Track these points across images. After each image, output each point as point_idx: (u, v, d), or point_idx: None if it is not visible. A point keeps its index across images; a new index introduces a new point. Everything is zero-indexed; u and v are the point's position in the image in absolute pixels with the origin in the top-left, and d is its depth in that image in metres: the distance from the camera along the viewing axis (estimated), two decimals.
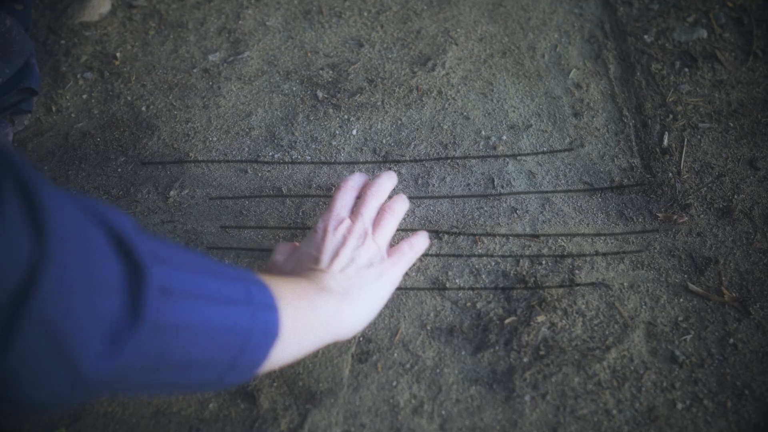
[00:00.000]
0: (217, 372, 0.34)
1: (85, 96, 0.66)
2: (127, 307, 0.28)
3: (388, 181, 0.52)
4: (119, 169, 0.61)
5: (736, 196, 0.55)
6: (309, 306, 0.41)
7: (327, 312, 0.42)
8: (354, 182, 0.51)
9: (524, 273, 0.53)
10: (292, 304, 0.39)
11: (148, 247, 0.30)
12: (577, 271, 0.52)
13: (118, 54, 0.68)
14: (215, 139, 0.62)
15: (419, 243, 0.51)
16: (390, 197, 0.53)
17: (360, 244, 0.47)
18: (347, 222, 0.48)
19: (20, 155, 0.29)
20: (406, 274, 0.53)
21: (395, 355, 0.49)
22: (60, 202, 0.26)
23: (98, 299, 0.27)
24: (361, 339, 0.50)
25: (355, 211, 0.49)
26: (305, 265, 0.46)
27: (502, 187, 0.58)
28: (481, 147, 0.60)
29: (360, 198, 0.51)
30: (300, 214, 0.57)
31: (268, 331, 0.36)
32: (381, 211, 0.50)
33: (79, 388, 0.27)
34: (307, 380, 0.48)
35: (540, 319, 0.50)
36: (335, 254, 0.46)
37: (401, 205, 0.52)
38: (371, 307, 0.46)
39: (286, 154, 0.61)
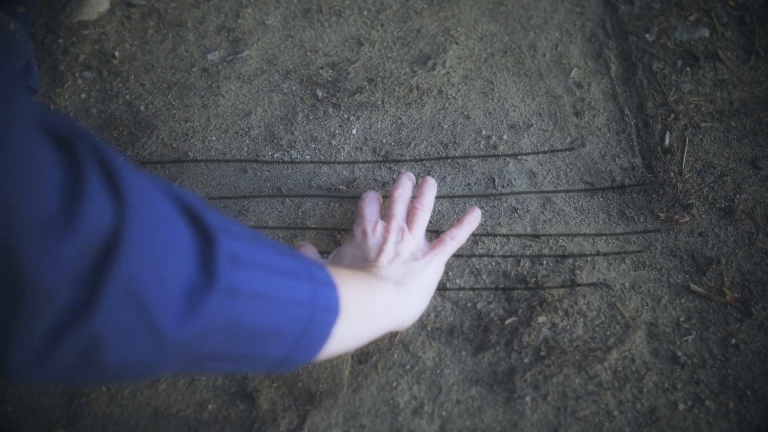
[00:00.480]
0: (286, 346, 0.35)
1: (83, 95, 0.66)
2: (200, 271, 0.29)
3: (408, 180, 0.54)
4: None
5: (738, 196, 0.55)
6: (370, 290, 0.42)
7: (387, 297, 0.43)
8: (374, 193, 0.54)
9: (525, 273, 0.52)
10: (353, 287, 0.40)
11: (215, 219, 0.31)
12: (578, 272, 0.52)
13: (116, 53, 0.68)
14: (214, 138, 0.62)
15: (462, 233, 0.51)
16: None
17: (400, 240, 0.48)
18: (382, 223, 0.50)
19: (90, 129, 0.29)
20: None
21: (395, 355, 0.49)
22: (132, 172, 0.27)
23: (174, 262, 0.28)
24: None
25: (386, 214, 0.51)
26: (354, 264, 0.47)
27: (503, 186, 0.57)
28: (481, 146, 0.60)
29: (388, 202, 0.52)
30: (300, 213, 0.57)
31: (329, 308, 0.37)
32: (412, 210, 0.52)
33: (162, 350, 0.28)
34: (307, 381, 0.48)
35: (541, 319, 0.50)
36: (380, 250, 0.47)
37: (429, 197, 0.53)
38: (424, 295, 0.47)
39: (286, 153, 0.61)
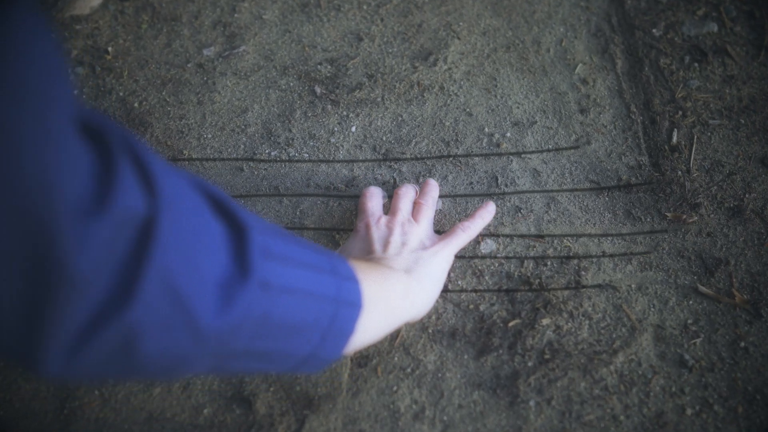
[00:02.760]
0: (312, 342, 0.34)
1: (75, 92, 0.65)
2: (235, 264, 0.29)
3: (411, 186, 0.54)
4: None
5: (747, 195, 0.54)
6: (384, 280, 0.42)
7: (400, 287, 0.43)
8: (375, 189, 0.53)
9: (529, 274, 0.51)
10: (370, 279, 0.39)
11: (245, 214, 0.31)
12: (583, 273, 0.51)
13: (109, 48, 0.67)
14: (210, 136, 0.61)
15: (474, 227, 0.50)
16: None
17: (405, 230, 0.48)
18: (386, 216, 0.49)
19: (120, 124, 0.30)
20: None
21: (396, 359, 0.48)
22: (164, 166, 0.27)
23: (208, 255, 0.28)
24: None
25: (391, 210, 0.50)
26: (360, 257, 0.46)
27: (506, 185, 0.56)
28: (484, 144, 0.59)
29: (392, 199, 0.52)
30: (298, 213, 0.56)
31: (353, 302, 0.36)
32: (416, 205, 0.51)
33: (197, 344, 0.28)
34: (305, 385, 0.47)
35: (545, 321, 0.49)
36: (386, 243, 0.46)
37: (433, 195, 0.52)
38: (435, 284, 0.46)
39: (283, 151, 0.59)
